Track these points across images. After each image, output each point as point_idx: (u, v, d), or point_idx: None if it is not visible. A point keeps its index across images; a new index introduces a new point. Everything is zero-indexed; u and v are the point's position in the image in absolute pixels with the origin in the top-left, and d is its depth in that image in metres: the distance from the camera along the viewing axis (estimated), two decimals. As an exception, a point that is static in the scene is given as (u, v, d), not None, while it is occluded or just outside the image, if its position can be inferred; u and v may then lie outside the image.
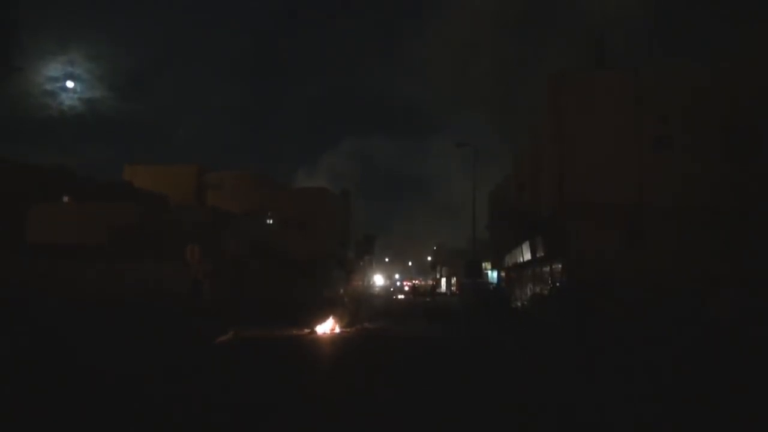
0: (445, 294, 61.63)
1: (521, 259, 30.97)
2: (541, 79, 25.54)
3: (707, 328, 15.48)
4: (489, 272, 48.62)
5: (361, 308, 29.65)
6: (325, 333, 17.64)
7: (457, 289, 47.66)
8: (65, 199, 30.23)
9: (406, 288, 73.22)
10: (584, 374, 11.02)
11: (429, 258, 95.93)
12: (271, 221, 43.21)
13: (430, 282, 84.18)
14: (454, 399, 8.62)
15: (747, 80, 19.45)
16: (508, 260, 37.10)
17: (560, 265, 23.60)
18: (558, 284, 24.18)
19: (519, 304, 32.42)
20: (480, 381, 10.34)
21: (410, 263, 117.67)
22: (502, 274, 42.43)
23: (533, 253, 27.38)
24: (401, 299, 51.29)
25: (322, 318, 19.26)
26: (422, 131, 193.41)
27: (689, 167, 20.07)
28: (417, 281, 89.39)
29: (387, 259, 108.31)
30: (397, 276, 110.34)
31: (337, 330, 18.42)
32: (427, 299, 50.80)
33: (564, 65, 34.77)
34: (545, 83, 24.53)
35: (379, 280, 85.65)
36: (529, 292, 31.27)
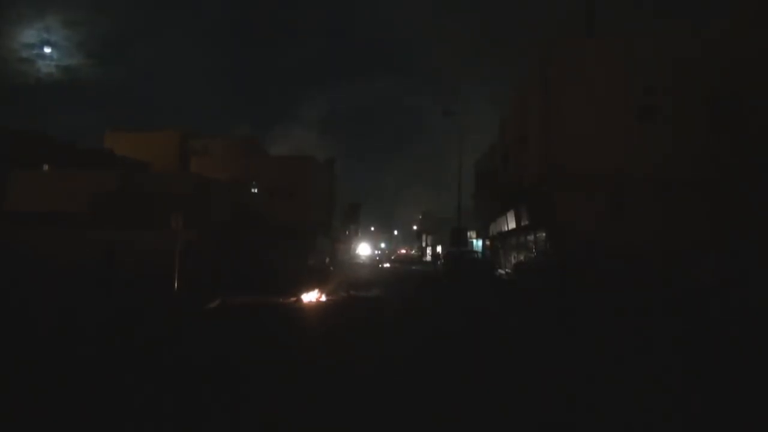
0: (430, 262, 62.11)
1: (506, 228, 31.22)
2: (529, 48, 25.30)
3: (688, 295, 15.81)
4: (474, 241, 48.98)
5: (346, 276, 29.82)
6: (311, 301, 17.74)
7: (442, 258, 48.07)
8: (45, 166, 29.68)
9: (393, 257, 73.61)
10: (556, 337, 11.25)
11: (415, 227, 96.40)
12: (256, 189, 42.89)
13: (414, 251, 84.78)
14: (437, 361, 8.76)
15: (734, 51, 19.44)
16: (493, 229, 37.38)
17: (544, 234, 23.84)
18: (540, 253, 24.46)
19: (503, 272, 32.79)
20: (462, 344, 10.50)
21: (396, 232, 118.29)
22: (487, 242, 42.77)
23: (518, 221, 27.59)
24: (387, 267, 51.63)
25: (308, 286, 19.35)
26: (411, 99, 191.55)
27: (674, 138, 20.20)
28: (404, 250, 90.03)
29: (372, 228, 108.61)
30: (383, 244, 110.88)
31: (323, 298, 18.54)
32: (413, 267, 51.27)
33: (554, 32, 34.48)
34: (532, 52, 24.35)
35: (364, 249, 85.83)
36: (513, 261, 31.62)
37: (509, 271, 31.58)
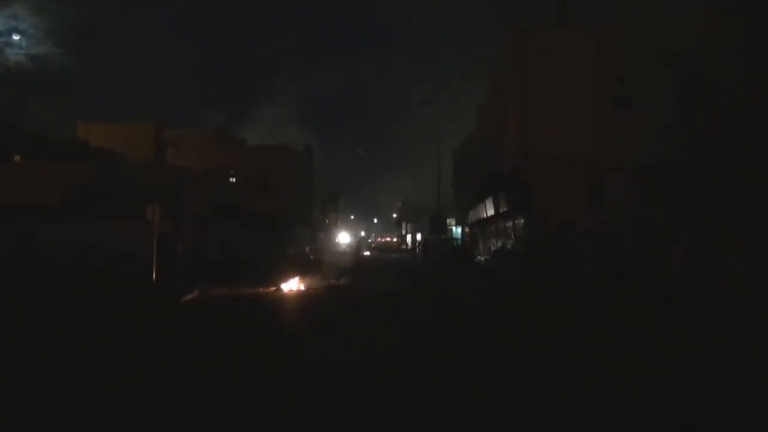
0: (410, 250, 62.39)
1: (484, 215, 31.45)
2: (507, 34, 25.36)
3: (662, 278, 16.17)
4: (453, 228, 49.25)
5: (327, 265, 29.81)
6: (291, 290, 17.71)
7: (421, 245, 48.30)
8: (16, 158, 28.99)
9: (373, 246, 73.83)
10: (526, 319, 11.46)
11: (395, 215, 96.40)
12: (233, 179, 42.48)
13: (396, 239, 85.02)
14: (416, 347, 8.85)
15: (706, 38, 19.68)
16: (472, 216, 37.63)
17: (522, 220, 24.09)
18: (518, 239, 24.73)
19: (481, 259, 33.09)
20: (438, 331, 10.63)
21: (376, 220, 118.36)
22: (466, 230, 43.05)
23: (496, 208, 27.82)
24: (367, 255, 51.74)
25: (288, 276, 19.30)
26: (390, 86, 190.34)
27: (650, 124, 20.45)
28: (388, 238, 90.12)
29: (352, 216, 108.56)
30: (362, 233, 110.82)
31: (303, 287, 18.52)
32: (393, 255, 51.48)
33: (531, 18, 34.54)
34: (509, 39, 24.42)
35: (344, 237, 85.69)
36: (492, 248, 31.91)
37: (488, 257, 31.88)
